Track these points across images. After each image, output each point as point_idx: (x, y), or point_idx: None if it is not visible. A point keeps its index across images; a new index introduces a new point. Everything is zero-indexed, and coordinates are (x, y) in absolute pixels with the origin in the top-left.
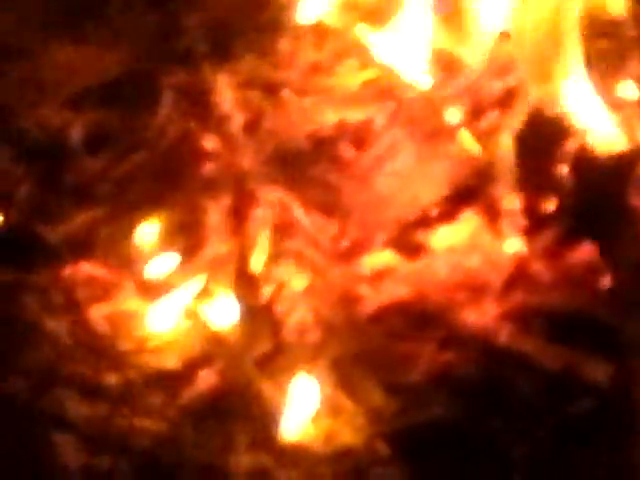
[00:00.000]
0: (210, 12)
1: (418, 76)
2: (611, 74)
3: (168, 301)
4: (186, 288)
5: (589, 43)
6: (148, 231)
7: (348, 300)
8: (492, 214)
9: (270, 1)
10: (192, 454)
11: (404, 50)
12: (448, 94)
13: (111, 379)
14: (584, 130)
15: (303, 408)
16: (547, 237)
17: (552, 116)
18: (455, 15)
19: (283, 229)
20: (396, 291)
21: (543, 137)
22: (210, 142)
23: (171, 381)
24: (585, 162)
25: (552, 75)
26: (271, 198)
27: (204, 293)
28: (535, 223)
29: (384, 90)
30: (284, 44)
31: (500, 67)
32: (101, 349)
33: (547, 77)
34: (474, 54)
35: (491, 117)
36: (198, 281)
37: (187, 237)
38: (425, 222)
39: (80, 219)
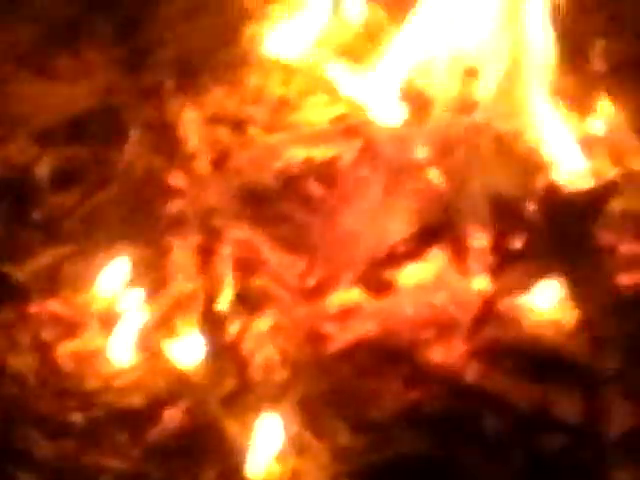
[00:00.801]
0: (178, 47)
1: (386, 113)
2: (579, 109)
3: (131, 337)
4: (149, 323)
5: (557, 78)
6: (115, 268)
7: (314, 338)
8: (460, 251)
9: (238, 36)
10: None
11: (372, 87)
12: (416, 131)
13: (77, 418)
14: (553, 166)
15: (268, 446)
16: (515, 274)
17: (520, 152)
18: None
19: (250, 267)
20: (363, 329)
21: (511, 173)
22: (177, 179)
23: (137, 420)
24: (554, 198)
25: (520, 111)
26: (238, 235)
27: (170, 331)
28: (503, 260)
29: (352, 127)
30: (252, 79)
31: (467, 104)
32: (67, 388)
33: (515, 113)
34: (441, 91)
35: (459, 154)
36: (163, 318)
37: (153, 274)
38: (392, 259)
39: (47, 256)
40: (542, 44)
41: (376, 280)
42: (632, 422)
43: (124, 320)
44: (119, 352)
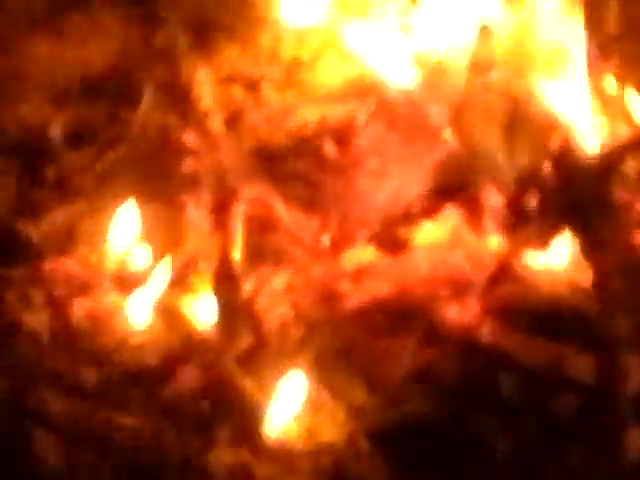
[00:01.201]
0: (191, 8)
1: (400, 73)
2: (594, 70)
3: (147, 296)
4: (164, 282)
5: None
6: (128, 226)
7: (329, 296)
8: (474, 210)
9: None
10: (173, 451)
11: (386, 47)
12: (430, 91)
13: (91, 376)
14: (568, 125)
15: (284, 405)
16: (531, 233)
17: (535, 112)
18: (437, 13)
19: (264, 225)
20: (378, 287)
21: (526, 133)
22: (190, 138)
23: (151, 378)
24: (569, 158)
25: (535, 71)
26: (252, 194)
27: (184, 289)
28: (518, 219)
29: (366, 87)
30: (265, 40)
31: (482, 63)
32: (81, 346)
33: (530, 74)
34: (456, 51)
35: (473, 113)
36: (178, 276)
37: (167, 233)
38: (407, 218)
39: (60, 214)
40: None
41: (391, 239)
42: None
43: (138, 278)
44: (133, 310)
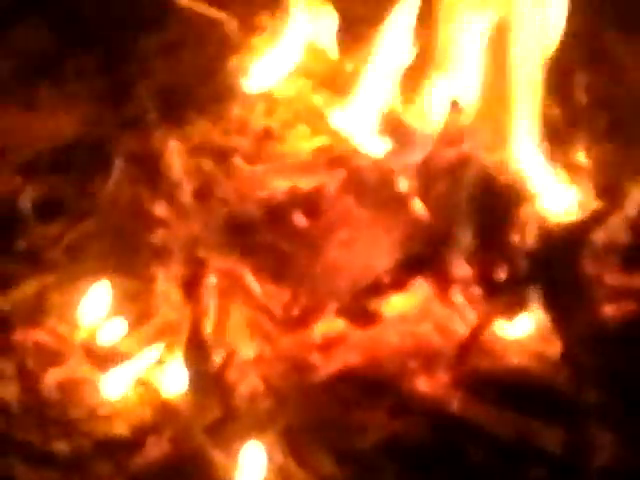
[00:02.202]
0: (161, 78)
1: (370, 144)
2: (563, 141)
3: (119, 369)
4: (138, 357)
5: (541, 110)
6: (99, 298)
7: (299, 368)
8: (444, 282)
9: (222, 68)
10: None
11: (356, 118)
12: (400, 162)
13: (61, 447)
14: (537, 197)
15: (253, 476)
16: (499, 305)
17: (505, 183)
18: (408, 84)
19: (234, 297)
20: (347, 359)
21: (496, 205)
22: (161, 209)
23: (121, 449)
24: (538, 229)
25: (504, 143)
26: (222, 265)
27: (154, 361)
28: (487, 291)
29: (336, 157)
30: (235, 110)
31: (452, 136)
32: (51, 417)
33: (499, 145)
34: (426, 123)
35: (443, 185)
36: (151, 350)
37: (138, 304)
38: (377, 290)
39: (31, 286)
40: (527, 76)
41: (360, 310)
42: (614, 454)
43: (108, 350)
44: (104, 382)
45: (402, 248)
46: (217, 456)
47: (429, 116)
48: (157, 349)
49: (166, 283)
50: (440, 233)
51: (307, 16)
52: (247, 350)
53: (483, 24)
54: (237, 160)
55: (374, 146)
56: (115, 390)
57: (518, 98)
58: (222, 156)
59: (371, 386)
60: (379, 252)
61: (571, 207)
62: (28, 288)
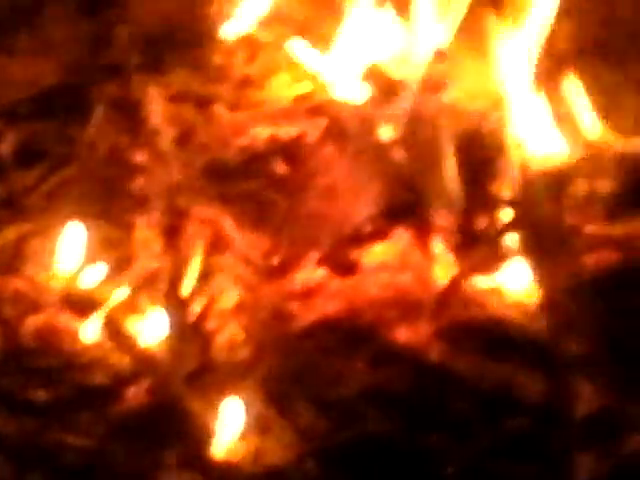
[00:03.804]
0: (142, 25)
1: (351, 92)
2: (545, 90)
3: (97, 316)
4: (115, 303)
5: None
6: (78, 245)
7: (278, 317)
8: (425, 231)
9: (202, 15)
10: (121, 471)
11: (338, 65)
12: (382, 110)
13: (40, 395)
14: (519, 146)
15: (232, 426)
16: (480, 255)
17: (486, 132)
18: (391, 32)
19: (214, 245)
20: (327, 308)
21: (477, 154)
22: (141, 156)
23: (100, 397)
24: (519, 179)
25: (486, 91)
26: (202, 213)
27: (133, 309)
28: (468, 241)
29: (317, 105)
30: (216, 58)
31: (434, 84)
32: (29, 365)
33: (481, 93)
34: (409, 71)
35: (424, 134)
36: (127, 296)
37: (117, 252)
38: (357, 239)
39: (9, 233)
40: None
41: (341, 260)
42: (596, 404)
43: (86, 296)
44: (82, 330)
45: (383, 197)
46: (196, 406)
47: (411, 64)
48: (129, 293)
49: (146, 231)
50: (421, 182)
51: None
52: (226, 299)
53: None
54: (217, 107)
55: (355, 94)
56: (92, 337)
57: (501, 46)
58: (202, 103)
59: (351, 335)
60: (360, 201)
61: (553, 156)
62: (7, 235)
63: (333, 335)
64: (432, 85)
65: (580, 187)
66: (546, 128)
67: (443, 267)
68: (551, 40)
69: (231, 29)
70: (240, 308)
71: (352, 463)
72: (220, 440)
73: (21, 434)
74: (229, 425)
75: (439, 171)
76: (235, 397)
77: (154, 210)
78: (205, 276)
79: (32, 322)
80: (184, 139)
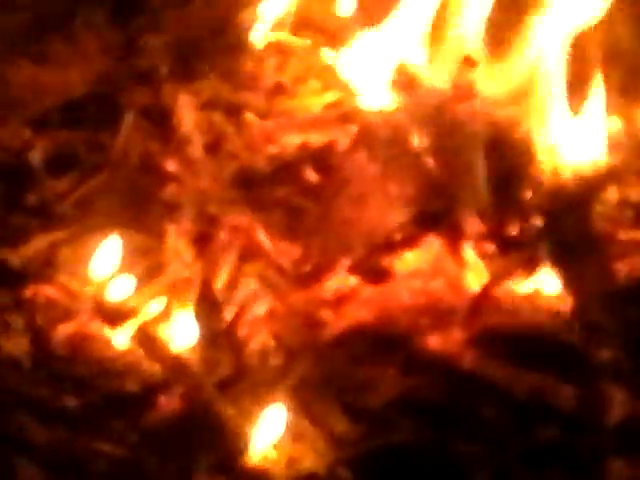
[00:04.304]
0: (172, 32)
1: (382, 99)
2: (576, 98)
3: (129, 324)
4: (147, 311)
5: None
6: (109, 253)
7: (310, 324)
8: (456, 238)
9: (232, 22)
10: (154, 478)
11: (368, 72)
12: (412, 117)
13: (71, 402)
14: (550, 153)
15: (265, 433)
16: (512, 262)
17: (517, 138)
18: (420, 38)
19: (245, 252)
20: (359, 315)
21: (508, 160)
22: (172, 164)
23: (132, 405)
24: (551, 186)
25: (518, 97)
26: (233, 221)
27: (165, 316)
28: (500, 247)
29: (347, 113)
30: (246, 65)
31: (465, 91)
32: (61, 372)
33: (513, 100)
34: (438, 77)
35: (456, 140)
36: (159, 303)
37: (148, 260)
38: (389, 246)
39: (41, 241)
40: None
41: (372, 267)
42: (628, 411)
43: (118, 305)
44: (114, 337)
45: (414, 204)
46: (229, 412)
47: (441, 71)
48: (162, 302)
49: (177, 239)
50: (452, 189)
51: None
52: (258, 306)
53: None
54: (248, 115)
55: (386, 101)
56: (124, 345)
57: (533, 54)
58: (233, 111)
59: (383, 343)
60: (391, 208)
61: (584, 162)
62: (38, 243)
63: (365, 343)
64: (462, 92)
65: (612, 193)
66: (577, 134)
67: (475, 274)
68: (581, 45)
69: (261, 35)
70: (272, 316)
71: (384, 471)
72: (253, 447)
73: (53, 442)
74: (262, 432)
75: (470, 178)
76: (267, 404)
77: (185, 218)
78: (236, 284)
79: (64, 330)
80: (215, 147)
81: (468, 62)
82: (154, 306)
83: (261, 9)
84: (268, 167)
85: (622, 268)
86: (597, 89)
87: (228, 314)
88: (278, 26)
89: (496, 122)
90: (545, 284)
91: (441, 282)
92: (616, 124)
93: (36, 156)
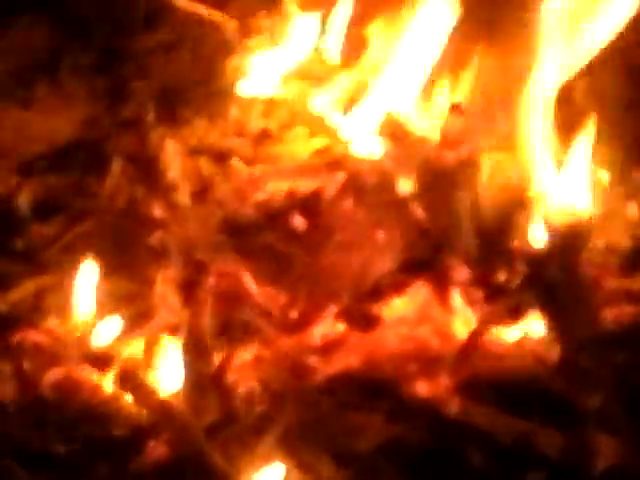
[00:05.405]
0: (159, 78)
1: (369, 146)
2: (564, 145)
3: (116, 369)
4: (135, 356)
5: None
6: (96, 299)
7: (298, 370)
8: (443, 285)
9: (218, 69)
10: None
11: (355, 119)
12: (400, 164)
13: (58, 448)
14: (537, 200)
15: (252, 478)
16: (499, 308)
17: (504, 186)
18: (407, 86)
19: (232, 299)
20: (347, 362)
21: (495, 208)
22: (158, 210)
23: (119, 451)
24: (537, 233)
25: (505, 145)
26: (220, 267)
27: (153, 361)
28: (487, 294)
29: (335, 160)
30: (233, 111)
31: (452, 138)
32: (49, 418)
33: (500, 147)
34: (427, 125)
35: (443, 188)
36: (146, 349)
37: (136, 305)
38: (376, 293)
39: (29, 286)
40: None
41: (359, 313)
42: (615, 458)
43: (105, 350)
44: (102, 382)
45: (401, 251)
46: (216, 458)
47: (429, 118)
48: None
49: (164, 284)
50: (440, 236)
51: (306, 18)
52: (245, 352)
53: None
54: (235, 161)
55: (373, 148)
56: (112, 390)
57: (520, 100)
58: (220, 157)
59: (370, 389)
60: (378, 255)
61: (572, 209)
62: (25, 288)
63: (352, 389)
64: (450, 139)
65: (599, 241)
66: (563, 183)
67: (462, 321)
68: (568, 96)
69: (249, 87)
70: (259, 361)
71: None
72: None
73: None
74: (249, 477)
75: (457, 225)
76: (254, 450)
77: (172, 264)
78: (224, 330)
79: (52, 375)
80: (202, 193)
81: (455, 110)
82: (142, 351)
83: (248, 56)
84: (255, 213)
85: (608, 315)
86: (583, 138)
87: (216, 360)
88: (266, 77)
89: (483, 169)
90: (532, 331)
91: (428, 329)
92: (602, 173)
93: (23, 201)
